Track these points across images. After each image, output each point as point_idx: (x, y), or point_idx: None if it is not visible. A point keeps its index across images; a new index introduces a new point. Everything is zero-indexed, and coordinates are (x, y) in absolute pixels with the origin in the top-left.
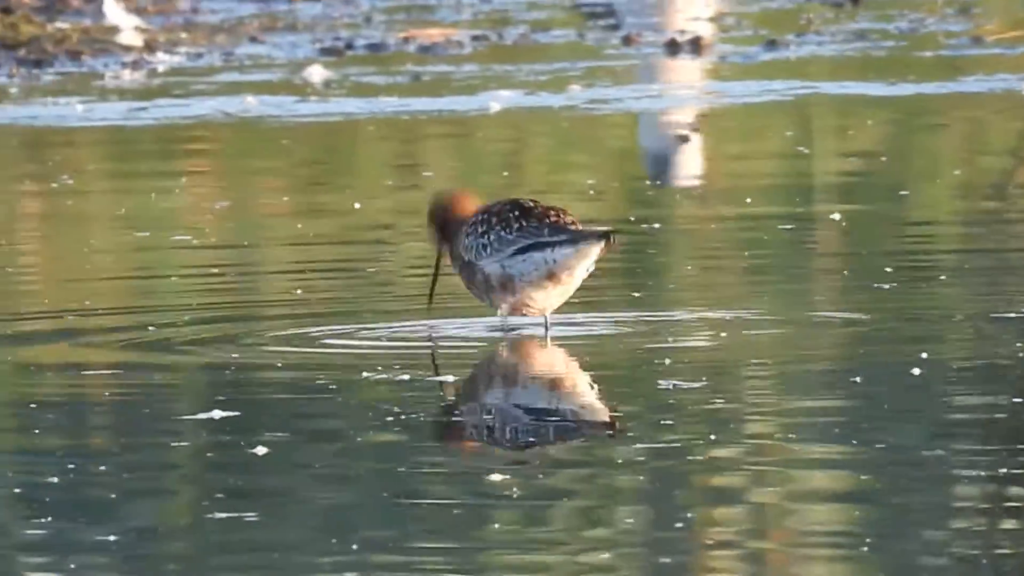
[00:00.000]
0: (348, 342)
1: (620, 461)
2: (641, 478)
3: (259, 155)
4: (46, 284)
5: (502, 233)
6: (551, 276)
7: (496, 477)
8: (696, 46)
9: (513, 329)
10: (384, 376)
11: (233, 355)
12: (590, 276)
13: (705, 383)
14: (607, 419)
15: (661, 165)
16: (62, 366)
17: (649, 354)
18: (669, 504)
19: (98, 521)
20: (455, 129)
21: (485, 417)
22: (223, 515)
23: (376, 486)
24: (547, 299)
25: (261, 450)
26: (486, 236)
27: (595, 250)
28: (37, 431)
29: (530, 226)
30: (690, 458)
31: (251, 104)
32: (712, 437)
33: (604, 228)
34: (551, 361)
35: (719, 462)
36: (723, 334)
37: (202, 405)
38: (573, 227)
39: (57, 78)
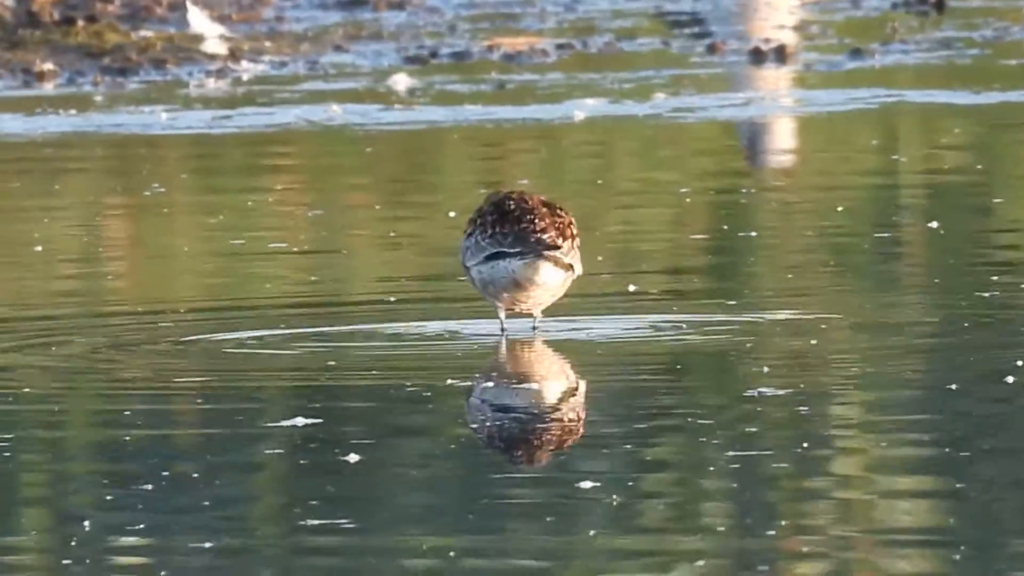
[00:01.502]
0: (437, 345)
1: (710, 468)
2: (728, 486)
3: (344, 163)
4: (145, 290)
5: (478, 238)
6: (516, 284)
7: (587, 484)
8: (781, 54)
9: (535, 328)
10: (471, 383)
11: (328, 361)
12: (680, 280)
13: (793, 390)
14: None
15: (756, 143)
16: (152, 368)
17: (737, 360)
18: (756, 512)
19: (193, 526)
20: (539, 138)
21: (571, 421)
22: (317, 521)
23: (467, 490)
24: (528, 301)
25: (353, 457)
26: (470, 239)
27: (547, 264)
28: (127, 438)
29: (498, 233)
30: (776, 466)
31: (335, 112)
32: (801, 445)
33: (549, 245)
34: (633, 365)
35: (807, 470)
36: (812, 340)
37: (291, 411)
38: (536, 237)
39: (141, 86)
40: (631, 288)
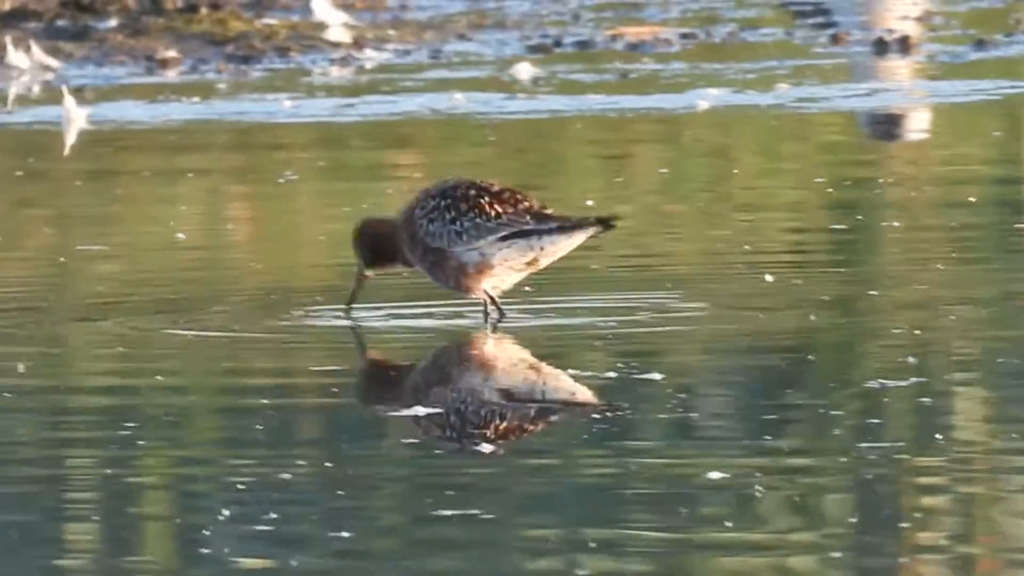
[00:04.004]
0: (556, 335)
1: (826, 462)
2: (848, 481)
3: (467, 152)
4: (270, 276)
5: (477, 220)
6: (532, 262)
7: (715, 475)
8: (904, 45)
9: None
10: (590, 372)
11: (446, 347)
12: (808, 270)
13: (914, 381)
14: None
15: (880, 124)
16: (278, 353)
17: (856, 352)
18: (876, 506)
19: (329, 519)
20: (663, 127)
21: (693, 413)
22: (448, 511)
23: (587, 481)
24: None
25: (487, 447)
26: (458, 223)
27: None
28: (259, 427)
29: (508, 213)
30: (897, 457)
31: (459, 101)
32: (921, 438)
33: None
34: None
35: (927, 463)
36: (941, 330)
37: (415, 400)
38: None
39: (265, 74)
40: (768, 278)
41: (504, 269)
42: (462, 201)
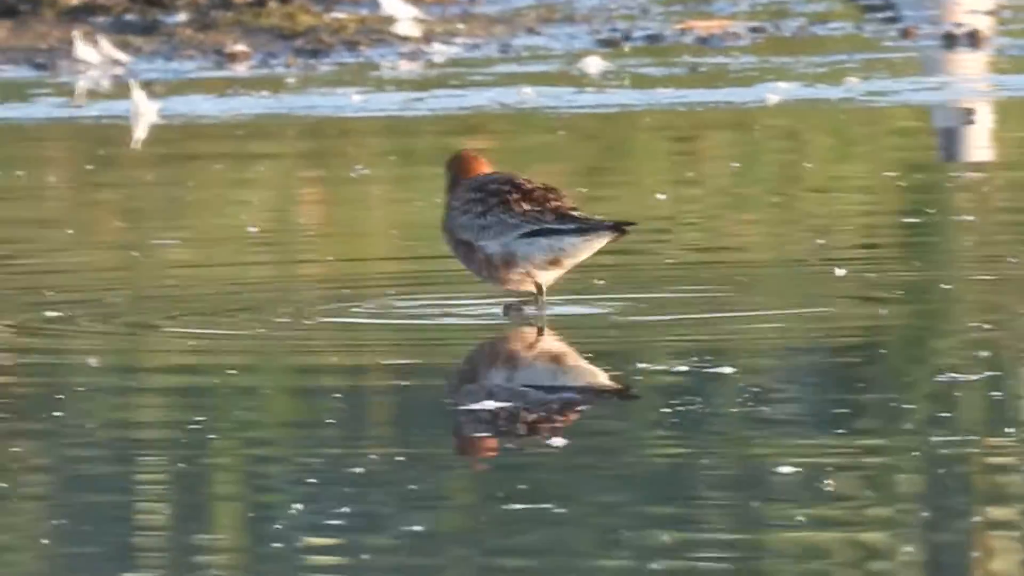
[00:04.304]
0: (626, 328)
1: (896, 458)
2: (917, 475)
3: (536, 146)
4: (342, 269)
5: (502, 215)
6: (555, 262)
7: (787, 468)
8: (974, 39)
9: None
10: (662, 367)
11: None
12: (880, 263)
13: (985, 375)
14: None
15: (952, 141)
16: (349, 345)
17: (926, 347)
18: (945, 501)
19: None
20: (732, 121)
21: (765, 409)
22: (520, 507)
23: (658, 467)
24: (547, 278)
25: (559, 441)
26: (484, 217)
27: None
28: (332, 420)
29: (533, 211)
30: (967, 451)
31: (528, 95)
32: (991, 432)
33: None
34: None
35: (996, 458)
36: (1004, 328)
37: (482, 395)
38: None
39: (334, 68)
40: (839, 272)
41: (528, 266)
42: (492, 196)
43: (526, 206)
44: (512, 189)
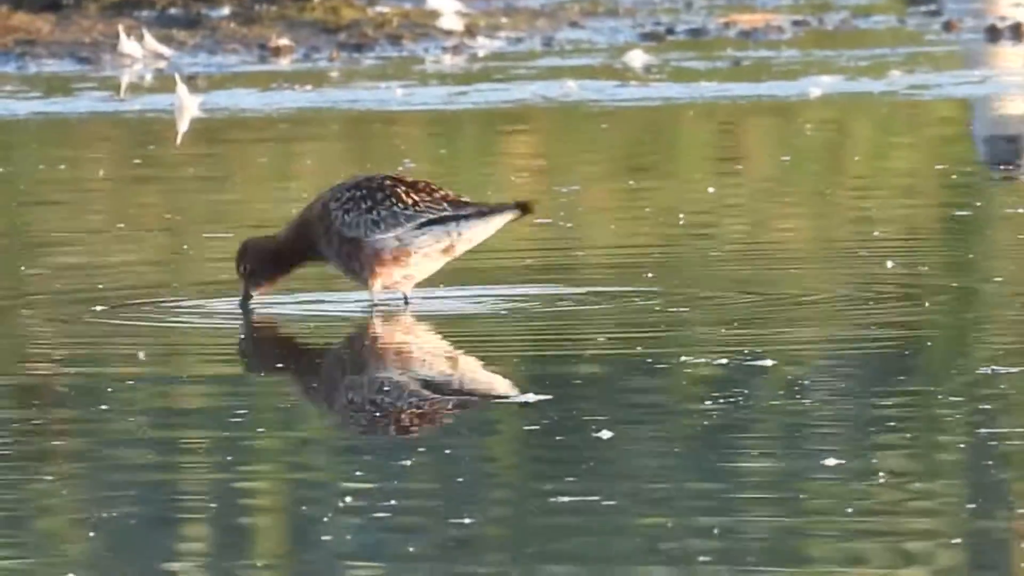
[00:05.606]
0: (667, 319)
1: (939, 452)
2: (955, 467)
3: (580, 139)
4: None
5: (396, 208)
6: (448, 249)
7: (831, 461)
8: (1017, 32)
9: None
10: (703, 359)
11: (560, 334)
12: (920, 256)
13: None
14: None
15: (996, 148)
16: (396, 338)
17: (965, 340)
18: (986, 493)
19: (446, 505)
20: (775, 114)
21: (806, 401)
22: (569, 498)
23: (701, 465)
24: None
25: (606, 434)
26: (375, 212)
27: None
28: (378, 414)
29: (425, 201)
30: (1010, 443)
31: (571, 89)
32: None
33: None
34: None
35: None
36: None
37: (525, 386)
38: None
39: (377, 62)
40: (889, 264)
41: (420, 257)
42: (378, 191)
43: (415, 196)
44: (395, 183)
